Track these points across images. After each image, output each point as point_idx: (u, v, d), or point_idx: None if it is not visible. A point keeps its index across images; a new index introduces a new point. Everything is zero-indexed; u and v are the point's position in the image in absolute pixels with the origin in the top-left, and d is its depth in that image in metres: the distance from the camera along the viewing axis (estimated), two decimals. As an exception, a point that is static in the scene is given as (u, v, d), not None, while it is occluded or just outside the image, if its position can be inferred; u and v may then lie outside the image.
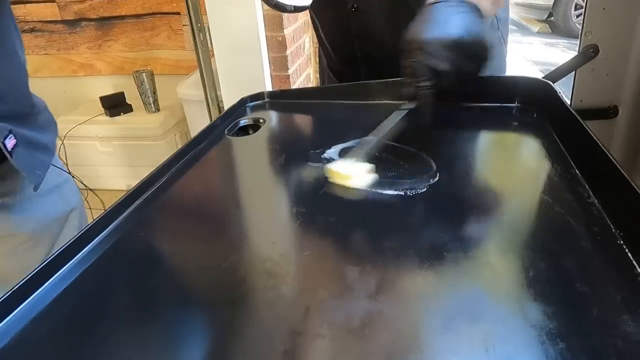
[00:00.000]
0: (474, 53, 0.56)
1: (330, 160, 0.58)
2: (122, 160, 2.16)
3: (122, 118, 2.20)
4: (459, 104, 0.71)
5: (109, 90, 2.24)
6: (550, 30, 5.37)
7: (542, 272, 0.38)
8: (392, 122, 0.58)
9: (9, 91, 0.68)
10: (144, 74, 2.09)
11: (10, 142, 0.66)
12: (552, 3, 5.31)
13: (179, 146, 2.52)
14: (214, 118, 1.86)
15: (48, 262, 0.45)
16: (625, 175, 0.44)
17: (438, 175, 0.54)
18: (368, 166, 0.53)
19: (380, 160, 0.59)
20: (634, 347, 0.31)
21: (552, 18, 5.43)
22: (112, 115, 2.18)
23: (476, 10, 0.58)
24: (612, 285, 0.37)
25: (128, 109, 2.23)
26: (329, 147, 0.62)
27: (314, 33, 0.99)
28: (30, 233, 0.77)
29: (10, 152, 0.66)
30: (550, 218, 0.46)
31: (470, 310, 0.35)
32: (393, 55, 0.83)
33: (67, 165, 0.90)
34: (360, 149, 0.55)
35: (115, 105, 2.20)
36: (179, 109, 2.21)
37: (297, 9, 0.62)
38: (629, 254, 0.39)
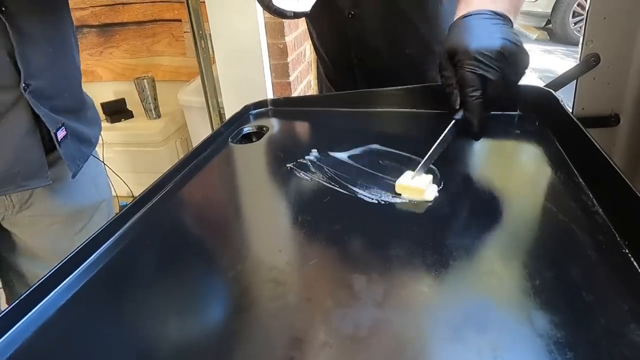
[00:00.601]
0: (516, 61, 0.56)
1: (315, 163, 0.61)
2: (123, 166, 2.16)
3: (123, 124, 2.21)
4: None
5: (110, 97, 2.25)
6: (548, 38, 5.40)
7: (548, 281, 0.38)
8: (443, 134, 0.58)
9: (65, 88, 0.79)
10: (145, 81, 2.10)
11: (61, 134, 0.76)
12: (550, 10, 5.35)
13: (180, 152, 2.51)
14: (215, 124, 1.87)
15: (55, 270, 0.45)
16: (629, 183, 0.44)
17: (442, 183, 0.55)
18: (430, 177, 0.54)
19: (382, 167, 0.59)
20: (642, 356, 0.31)
21: (550, 25, 5.47)
22: (113, 121, 2.19)
23: (508, 20, 0.59)
24: (618, 294, 0.37)
25: (129, 115, 2.23)
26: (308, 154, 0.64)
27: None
28: (65, 216, 0.85)
29: (59, 143, 0.76)
30: (554, 226, 0.46)
31: (478, 320, 0.36)
32: (388, 62, 0.84)
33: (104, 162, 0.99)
34: (424, 162, 0.55)
35: (116, 111, 2.21)
36: (179, 115, 2.22)
37: (297, 15, 0.63)
38: (635, 263, 0.39)
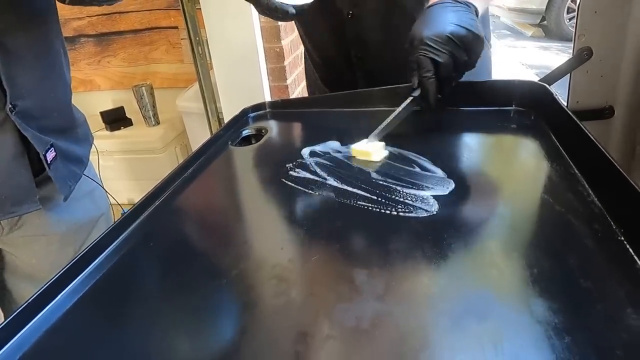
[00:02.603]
0: (468, 45, 0.61)
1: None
2: (123, 174, 2.17)
3: (123, 132, 2.21)
4: (458, 108, 0.73)
5: (108, 105, 2.26)
6: (543, 34, 5.42)
7: (546, 270, 0.39)
8: (400, 107, 0.66)
9: (55, 108, 0.76)
10: (143, 88, 2.11)
11: (50, 155, 0.73)
12: (544, 7, 5.36)
13: (180, 158, 2.52)
14: (214, 129, 1.88)
15: (65, 270, 0.46)
16: (624, 173, 0.45)
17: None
18: (381, 144, 0.64)
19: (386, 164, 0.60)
20: (636, 337, 0.32)
21: (545, 22, 5.48)
22: (112, 129, 2.20)
23: (470, 7, 0.64)
24: (614, 280, 0.38)
25: (128, 123, 2.24)
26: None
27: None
28: (62, 234, 0.82)
29: (49, 165, 0.73)
30: (551, 217, 0.47)
31: (478, 309, 0.36)
32: (389, 58, 0.84)
33: (99, 174, 0.96)
34: (377, 131, 0.65)
35: (115, 119, 2.21)
36: (178, 121, 2.23)
37: (297, 11, 0.64)
38: (630, 250, 0.40)
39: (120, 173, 2.16)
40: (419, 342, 0.34)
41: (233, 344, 0.37)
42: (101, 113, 2.17)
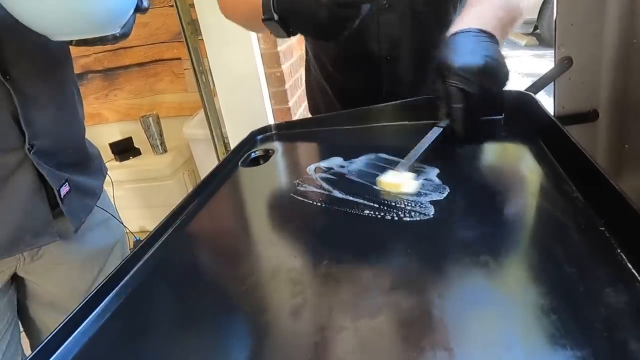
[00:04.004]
0: (497, 77, 0.62)
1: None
2: (134, 202, 2.22)
3: (132, 162, 2.28)
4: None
5: (116, 137, 2.33)
6: (537, 43, 5.51)
7: (535, 258, 0.44)
8: (430, 138, 0.65)
9: (70, 144, 0.81)
10: (150, 118, 2.18)
11: (64, 190, 0.77)
12: (536, 16, 5.47)
13: (188, 184, 2.55)
14: (220, 154, 1.94)
15: (95, 291, 0.50)
16: (602, 170, 0.49)
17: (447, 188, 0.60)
18: (412, 175, 0.61)
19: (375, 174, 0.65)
20: (616, 313, 0.36)
21: (538, 31, 5.58)
22: (121, 159, 2.26)
23: (493, 37, 0.64)
24: (596, 265, 0.42)
25: (137, 152, 2.31)
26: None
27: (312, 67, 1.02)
28: (80, 262, 0.86)
29: (62, 199, 0.77)
30: (540, 212, 0.51)
31: (474, 296, 0.41)
32: (420, 92, 0.86)
33: (114, 203, 1.01)
34: (405, 161, 0.63)
35: (124, 150, 2.28)
36: (185, 148, 2.29)
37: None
38: (610, 238, 0.44)
39: (131, 201, 2.22)
40: (423, 327, 0.39)
41: (258, 340, 0.41)
42: (110, 144, 2.24)
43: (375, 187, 0.61)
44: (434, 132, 0.65)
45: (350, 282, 0.45)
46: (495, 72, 0.61)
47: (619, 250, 0.42)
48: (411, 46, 0.84)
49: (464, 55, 0.62)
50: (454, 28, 0.67)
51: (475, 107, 0.63)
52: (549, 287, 0.40)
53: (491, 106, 0.70)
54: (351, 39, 0.68)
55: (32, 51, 0.72)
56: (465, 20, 0.66)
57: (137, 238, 1.95)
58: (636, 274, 0.39)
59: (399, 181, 0.59)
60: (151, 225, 0.59)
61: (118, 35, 0.62)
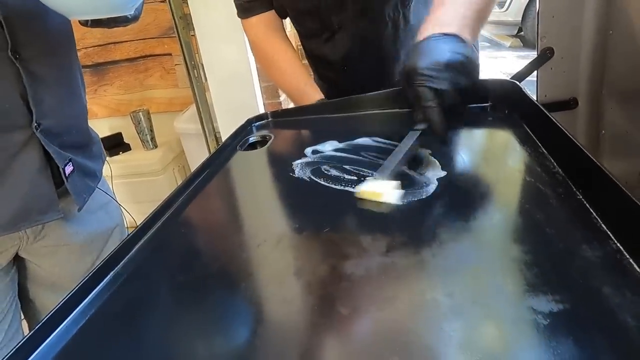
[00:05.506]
0: (465, 70, 0.62)
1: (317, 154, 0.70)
2: (124, 198, 2.22)
3: (122, 157, 2.28)
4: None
5: (106, 132, 2.33)
6: (521, 44, 5.63)
7: (519, 223, 0.48)
8: (408, 143, 0.63)
9: (74, 125, 0.85)
10: (140, 114, 2.19)
11: (68, 169, 0.81)
12: (520, 19, 5.59)
13: (178, 179, 2.56)
14: (211, 149, 1.95)
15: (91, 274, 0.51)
16: (580, 145, 0.53)
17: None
18: (395, 183, 0.57)
19: (364, 158, 0.68)
20: (590, 265, 0.40)
21: (522, 32, 5.71)
22: (111, 155, 2.26)
23: (459, 37, 0.64)
24: (573, 226, 0.46)
25: (126, 148, 2.31)
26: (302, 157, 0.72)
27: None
28: (81, 244, 0.89)
29: (67, 178, 0.80)
30: (524, 185, 0.55)
31: (463, 254, 0.44)
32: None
33: (112, 190, 1.04)
34: (384, 169, 0.59)
35: (113, 145, 2.28)
36: (175, 144, 2.31)
37: None
38: (586, 204, 0.48)
39: (121, 197, 2.21)
40: (415, 283, 0.42)
41: (270, 308, 0.44)
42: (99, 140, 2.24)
43: (368, 170, 0.64)
44: (411, 137, 0.63)
45: (350, 245, 0.49)
46: (462, 65, 0.61)
47: (594, 215, 0.47)
48: (363, 58, 0.91)
49: (427, 55, 0.62)
50: (417, 38, 0.67)
51: (450, 104, 0.61)
52: (532, 245, 0.44)
53: (468, 100, 0.69)
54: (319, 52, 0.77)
55: (41, 33, 0.75)
56: (428, 28, 0.67)
57: (129, 233, 1.95)
58: (610, 234, 0.43)
59: (379, 190, 0.56)
60: (141, 221, 0.60)
61: (130, 17, 0.65)
